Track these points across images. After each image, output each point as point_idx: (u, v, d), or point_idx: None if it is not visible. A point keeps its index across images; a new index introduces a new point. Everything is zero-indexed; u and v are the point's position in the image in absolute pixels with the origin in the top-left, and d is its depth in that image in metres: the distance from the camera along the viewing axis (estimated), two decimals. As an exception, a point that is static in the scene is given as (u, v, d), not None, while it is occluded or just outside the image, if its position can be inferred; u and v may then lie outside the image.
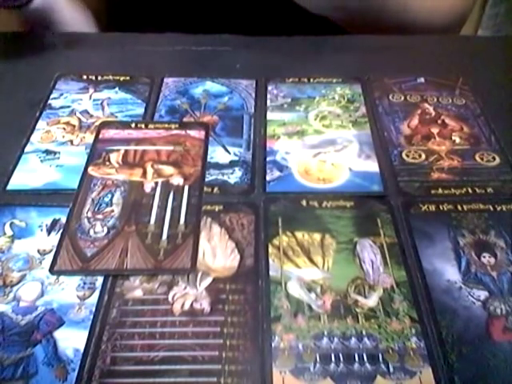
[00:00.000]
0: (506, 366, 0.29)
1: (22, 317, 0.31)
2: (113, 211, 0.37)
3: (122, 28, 0.57)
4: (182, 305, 0.32)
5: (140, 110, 0.47)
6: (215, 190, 0.39)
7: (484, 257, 0.35)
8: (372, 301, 0.32)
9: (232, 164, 0.41)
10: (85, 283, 0.33)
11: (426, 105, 0.48)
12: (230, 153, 0.42)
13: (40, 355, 0.30)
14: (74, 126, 0.45)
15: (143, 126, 0.45)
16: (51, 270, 0.33)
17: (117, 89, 0.49)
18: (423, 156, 0.42)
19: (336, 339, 0.31)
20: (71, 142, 0.43)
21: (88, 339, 0.30)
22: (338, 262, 0.35)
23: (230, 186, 0.40)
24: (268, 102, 0.48)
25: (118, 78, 0.50)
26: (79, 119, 0.45)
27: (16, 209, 0.37)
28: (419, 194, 0.39)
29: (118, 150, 0.42)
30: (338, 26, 0.56)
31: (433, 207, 0.38)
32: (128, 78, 0.50)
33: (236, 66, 0.51)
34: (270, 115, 0.46)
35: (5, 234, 0.36)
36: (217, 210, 0.38)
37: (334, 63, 0.53)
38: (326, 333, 0.31)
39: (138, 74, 0.51)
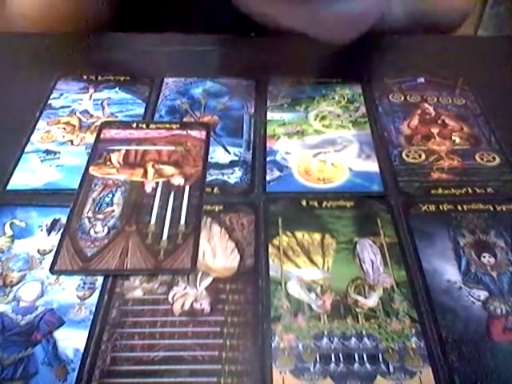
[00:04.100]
0: (506, 365, 0.29)
1: (22, 317, 0.31)
2: (113, 211, 0.37)
3: (122, 28, 0.57)
4: (182, 305, 0.32)
5: (140, 110, 0.47)
6: (215, 190, 0.39)
7: (484, 257, 0.35)
8: (372, 301, 0.32)
9: (232, 164, 0.41)
10: (85, 283, 0.33)
11: (426, 105, 0.48)
12: (230, 153, 0.42)
13: (40, 355, 0.30)
14: (74, 126, 0.45)
15: (144, 126, 0.45)
16: (51, 270, 0.34)
17: (117, 89, 0.49)
18: (423, 156, 0.42)
19: (336, 339, 0.31)
20: (71, 141, 0.43)
21: (88, 339, 0.30)
22: (337, 262, 0.35)
23: (230, 186, 0.40)
24: (268, 101, 0.48)
25: (118, 78, 0.50)
26: (79, 119, 0.45)
27: (16, 209, 0.37)
28: (419, 194, 0.39)
29: (119, 150, 0.42)
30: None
31: (433, 207, 0.38)
32: (128, 78, 0.50)
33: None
34: (269, 115, 0.46)
35: (5, 233, 0.36)
36: (217, 210, 0.38)
37: (333, 63, 0.53)
38: (326, 333, 0.31)
39: (138, 74, 0.51)
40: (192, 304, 0.32)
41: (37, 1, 0.55)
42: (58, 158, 0.42)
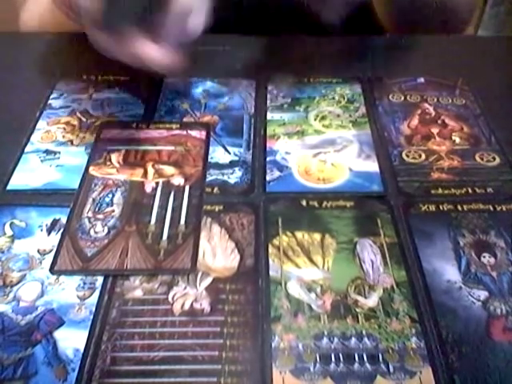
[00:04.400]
0: (506, 366, 0.29)
1: (22, 317, 0.31)
2: (113, 211, 0.37)
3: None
4: (182, 305, 0.32)
5: (140, 110, 0.47)
6: (215, 190, 0.39)
7: (484, 257, 0.35)
8: (372, 301, 0.32)
9: (232, 164, 0.41)
10: (85, 283, 0.33)
11: (426, 105, 0.48)
12: (230, 153, 0.42)
13: (40, 355, 0.30)
14: (74, 126, 0.45)
15: (144, 126, 0.45)
16: (51, 270, 0.33)
17: (117, 89, 0.49)
18: (423, 156, 0.42)
19: (336, 339, 0.31)
20: (71, 141, 0.43)
21: (88, 339, 0.30)
22: (338, 262, 0.35)
23: (230, 186, 0.40)
24: (268, 101, 0.48)
25: (118, 77, 0.50)
26: (79, 119, 0.45)
27: (16, 209, 0.37)
28: (419, 194, 0.39)
29: (119, 150, 0.42)
30: (339, 26, 0.56)
31: (433, 207, 0.38)
32: (128, 78, 0.50)
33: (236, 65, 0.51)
34: (269, 115, 0.46)
35: (5, 233, 0.36)
36: (217, 210, 0.38)
37: (334, 63, 0.53)
38: (326, 333, 0.31)
39: (137, 74, 0.50)
40: (192, 304, 0.32)
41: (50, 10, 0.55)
42: (58, 158, 0.42)
